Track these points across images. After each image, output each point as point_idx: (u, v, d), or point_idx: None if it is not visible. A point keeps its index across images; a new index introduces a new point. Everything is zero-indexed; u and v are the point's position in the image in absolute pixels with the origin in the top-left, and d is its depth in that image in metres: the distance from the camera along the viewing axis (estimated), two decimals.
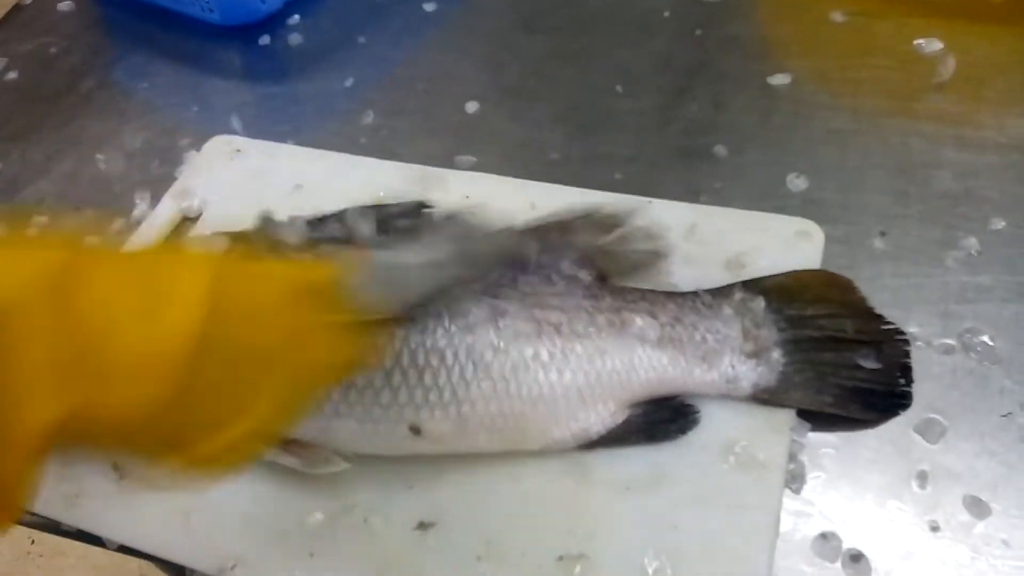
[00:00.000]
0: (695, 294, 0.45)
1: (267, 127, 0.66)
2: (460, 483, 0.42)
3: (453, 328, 0.41)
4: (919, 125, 0.57)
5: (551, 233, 0.44)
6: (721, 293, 0.45)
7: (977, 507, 0.40)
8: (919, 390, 0.43)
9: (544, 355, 0.42)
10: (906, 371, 0.43)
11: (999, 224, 0.50)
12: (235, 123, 0.66)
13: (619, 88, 0.63)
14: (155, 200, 0.60)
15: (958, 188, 0.53)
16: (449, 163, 0.59)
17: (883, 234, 0.51)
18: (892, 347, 0.44)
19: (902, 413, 0.43)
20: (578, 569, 0.39)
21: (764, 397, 0.43)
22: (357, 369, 0.39)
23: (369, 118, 0.65)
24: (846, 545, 0.39)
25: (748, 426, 0.42)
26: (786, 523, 0.40)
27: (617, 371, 0.42)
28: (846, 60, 0.62)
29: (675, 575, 0.38)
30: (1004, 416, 0.42)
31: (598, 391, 0.42)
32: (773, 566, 0.38)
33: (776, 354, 0.43)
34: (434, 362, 0.41)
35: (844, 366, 0.43)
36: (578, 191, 0.54)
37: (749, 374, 0.43)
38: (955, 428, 0.42)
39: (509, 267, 0.44)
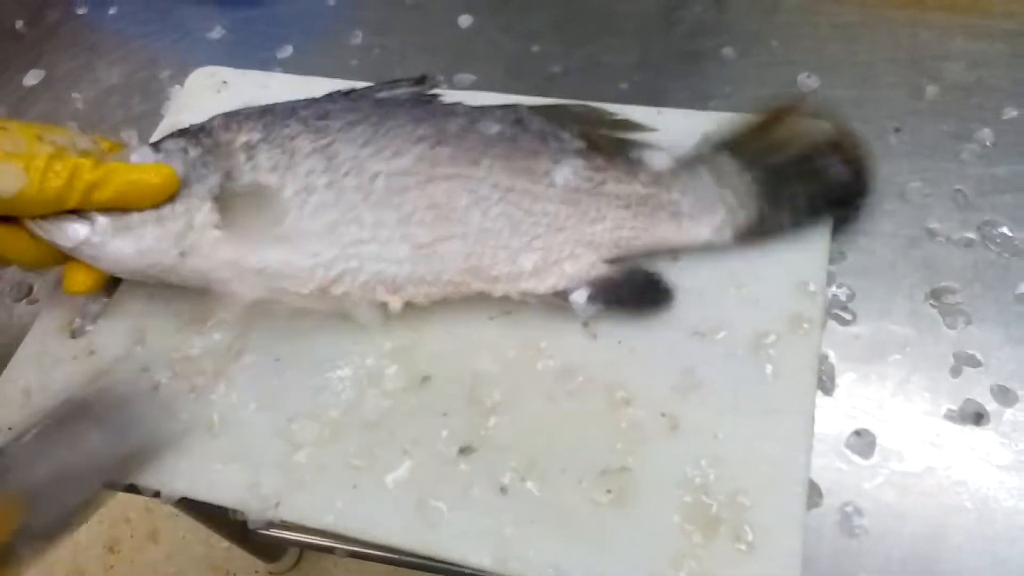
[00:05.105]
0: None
1: (249, 54, 0.63)
2: (495, 407, 0.42)
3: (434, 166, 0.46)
4: (926, 15, 0.56)
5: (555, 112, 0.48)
6: (697, 159, 0.47)
7: (1004, 395, 0.40)
8: (941, 284, 0.44)
9: (520, 193, 0.45)
10: (862, 164, 0.46)
11: (1012, 113, 0.50)
12: (215, 51, 0.63)
13: None
14: (143, 139, 0.57)
15: (970, 79, 0.52)
16: (448, 82, 0.57)
17: (897, 130, 0.50)
18: (851, 150, 0.46)
19: (860, 205, 0.46)
20: (621, 482, 0.39)
21: (748, 237, 0.45)
22: None
23: (358, 38, 0.62)
24: (880, 440, 0.40)
25: (778, 332, 0.42)
26: (820, 423, 0.41)
27: (592, 221, 0.45)
28: None
29: (717, 481, 0.39)
30: None
31: (574, 238, 0.44)
32: (810, 466, 0.39)
33: (752, 194, 0.45)
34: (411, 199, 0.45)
35: (806, 172, 0.45)
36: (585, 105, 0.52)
37: (729, 221, 0.45)
38: (979, 319, 0.43)
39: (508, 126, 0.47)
